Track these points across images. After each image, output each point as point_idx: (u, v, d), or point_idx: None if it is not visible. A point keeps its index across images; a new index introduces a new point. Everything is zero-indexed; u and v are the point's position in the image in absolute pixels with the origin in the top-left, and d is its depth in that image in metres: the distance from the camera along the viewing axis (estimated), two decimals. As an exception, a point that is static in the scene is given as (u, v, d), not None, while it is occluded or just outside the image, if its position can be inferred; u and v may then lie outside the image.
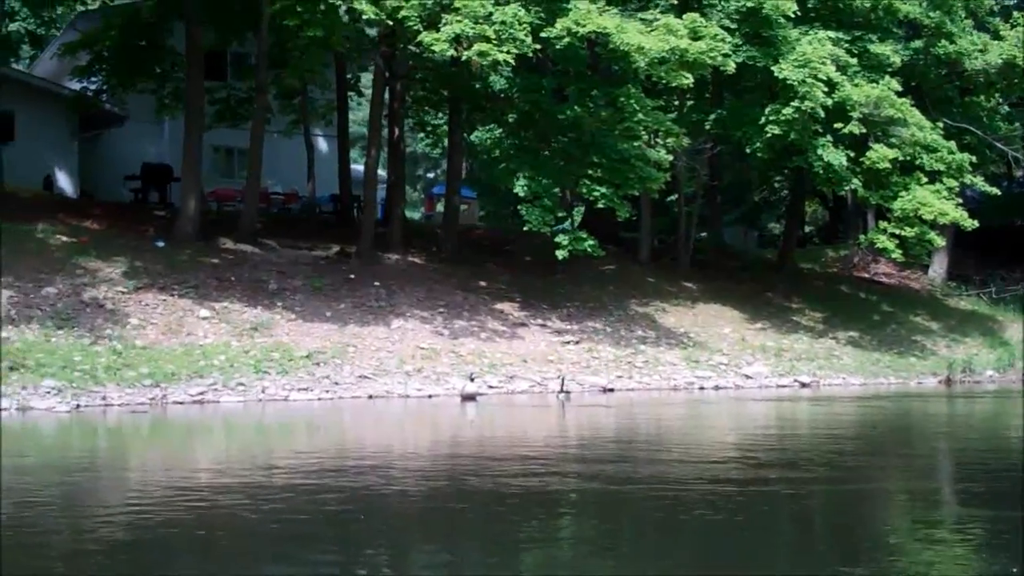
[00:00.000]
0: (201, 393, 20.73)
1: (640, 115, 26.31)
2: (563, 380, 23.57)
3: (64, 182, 34.65)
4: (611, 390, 24.39)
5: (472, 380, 22.26)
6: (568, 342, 27.02)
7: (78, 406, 19.15)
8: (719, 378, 26.46)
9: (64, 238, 26.81)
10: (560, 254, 27.36)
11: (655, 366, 26.50)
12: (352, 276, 28.31)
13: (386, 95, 32.00)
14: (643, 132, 26.92)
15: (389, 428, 19.94)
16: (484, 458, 15.14)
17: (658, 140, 28.13)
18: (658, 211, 39.19)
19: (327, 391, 21.91)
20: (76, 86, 33.83)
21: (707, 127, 30.81)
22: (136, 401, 19.97)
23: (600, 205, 27.23)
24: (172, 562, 9.23)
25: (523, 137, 29.20)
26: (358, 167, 40.77)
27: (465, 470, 13.94)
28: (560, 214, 27.60)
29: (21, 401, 18.72)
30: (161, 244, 27.90)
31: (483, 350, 25.48)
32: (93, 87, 33.86)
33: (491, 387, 23.45)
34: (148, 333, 23.55)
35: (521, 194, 27.24)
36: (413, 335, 25.76)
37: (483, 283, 30.01)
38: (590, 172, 27.19)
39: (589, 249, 27.40)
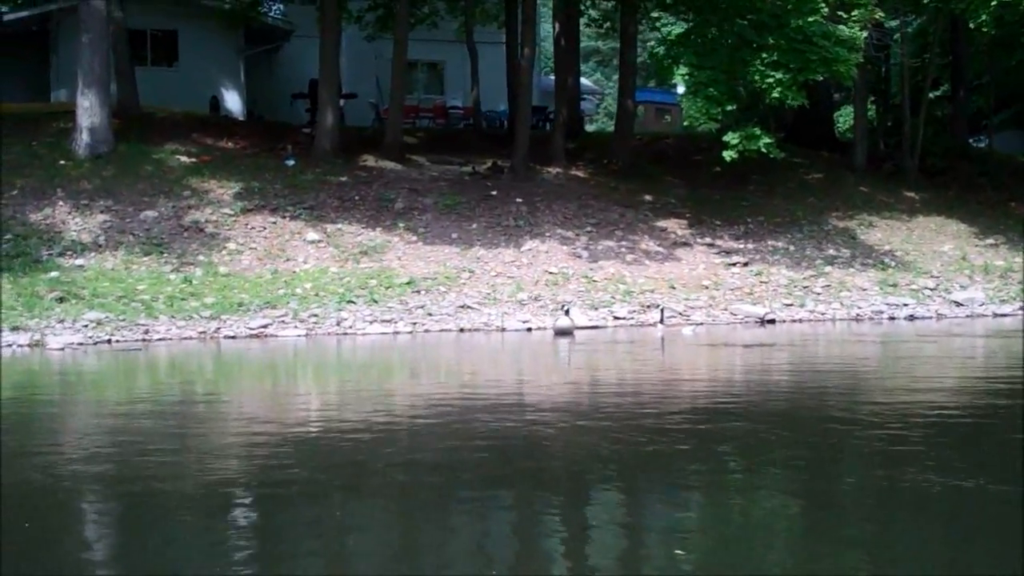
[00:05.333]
0: (263, 326, 18.03)
1: (819, -18, 21.39)
2: (662, 311, 19.48)
3: (232, 102, 32.94)
4: (771, 321, 19.92)
5: (567, 312, 18.45)
6: (734, 264, 22.68)
7: (109, 341, 16.85)
8: (918, 305, 21.34)
9: (184, 159, 24.91)
10: (728, 155, 23.10)
11: (838, 292, 21.73)
12: (494, 193, 25.01)
13: None
14: (823, 4, 21.87)
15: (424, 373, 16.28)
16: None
17: (841, 14, 22.83)
18: (890, 110, 33.57)
19: (414, 323, 18.73)
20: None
21: (925, 1, 25.19)
22: (183, 335, 17.51)
23: (775, 95, 22.42)
24: None
25: (691, 21, 24.80)
26: (547, 78, 37.44)
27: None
28: (729, 107, 23.01)
29: (34, 337, 16.55)
30: (291, 162, 25.57)
31: (623, 275, 21.60)
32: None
33: (617, 318, 19.57)
34: (242, 259, 21.25)
35: (681, 85, 23.01)
36: (545, 258, 22.21)
37: (649, 197, 25.95)
38: (764, 56, 22.45)
39: (764, 149, 22.97)
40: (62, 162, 23.73)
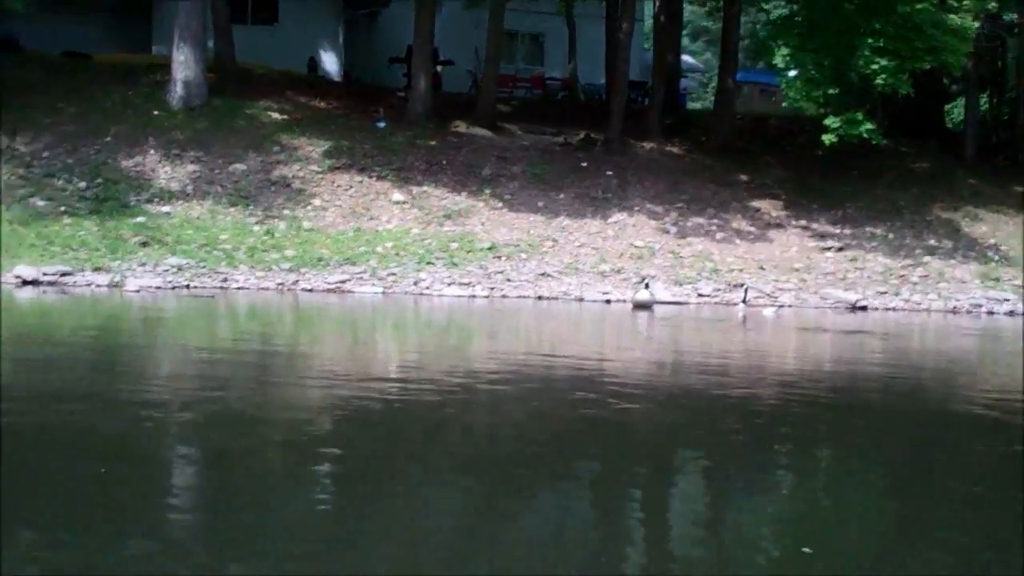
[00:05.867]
0: (341, 282, 17.86)
1: (928, -31, 20.42)
2: (746, 290, 18.83)
3: (329, 64, 32.88)
4: (863, 308, 19.14)
5: (647, 286, 17.92)
6: (828, 248, 21.87)
7: (188, 286, 16.83)
8: (1020, 301, 20.35)
9: (277, 115, 24.85)
10: (827, 139, 22.32)
11: (936, 283, 20.83)
12: (584, 164, 24.49)
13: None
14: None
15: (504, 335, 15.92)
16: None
17: (952, 3, 21.76)
18: (1006, 103, 32.24)
19: (492, 288, 18.39)
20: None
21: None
22: (261, 285, 17.41)
23: (879, 82, 21.53)
24: None
25: (796, 2, 24.01)
26: (649, 54, 36.62)
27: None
28: (831, 90, 22.16)
29: (114, 279, 16.60)
30: (382, 124, 25.35)
31: (711, 252, 20.97)
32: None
33: (701, 295, 19.00)
34: (326, 215, 21.13)
35: (781, 65, 22.30)
36: (633, 231, 21.68)
37: (745, 177, 25.19)
38: (870, 41, 21.55)
39: (866, 134, 22.13)
40: (156, 112, 23.84)
